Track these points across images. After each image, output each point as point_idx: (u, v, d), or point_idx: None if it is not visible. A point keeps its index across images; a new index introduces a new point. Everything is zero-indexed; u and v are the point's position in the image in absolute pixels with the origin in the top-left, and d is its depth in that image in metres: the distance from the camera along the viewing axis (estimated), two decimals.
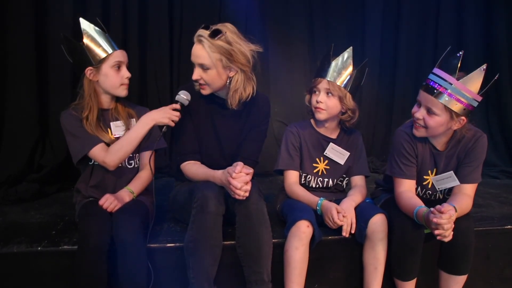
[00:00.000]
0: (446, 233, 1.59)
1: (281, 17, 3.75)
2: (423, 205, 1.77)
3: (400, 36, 3.95)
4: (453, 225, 1.61)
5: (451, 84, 1.74)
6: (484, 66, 1.74)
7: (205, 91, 1.91)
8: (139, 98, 3.29)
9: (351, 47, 2.00)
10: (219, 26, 1.82)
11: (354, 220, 1.86)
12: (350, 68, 1.98)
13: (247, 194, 1.69)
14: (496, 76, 1.77)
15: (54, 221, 2.12)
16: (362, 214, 1.89)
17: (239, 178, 1.67)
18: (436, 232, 1.60)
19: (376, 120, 4.02)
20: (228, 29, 1.83)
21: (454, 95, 1.73)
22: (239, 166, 1.69)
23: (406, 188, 1.92)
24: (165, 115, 1.81)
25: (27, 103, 2.78)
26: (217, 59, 1.81)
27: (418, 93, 1.84)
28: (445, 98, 1.74)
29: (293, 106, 3.81)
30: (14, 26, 2.73)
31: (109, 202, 1.77)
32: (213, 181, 1.80)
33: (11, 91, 2.76)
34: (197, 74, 1.86)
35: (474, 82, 1.74)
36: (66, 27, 2.76)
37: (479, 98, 1.76)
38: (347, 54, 1.99)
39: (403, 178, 1.93)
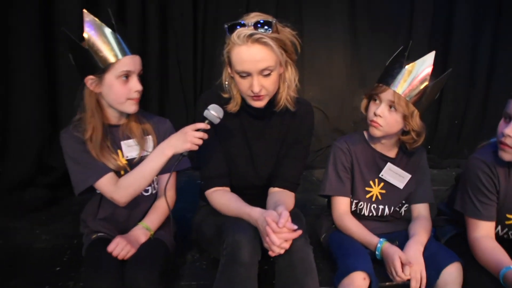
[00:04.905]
0: None
1: None
2: None
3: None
4: None
5: None
6: None
7: (263, 102, 1.50)
8: (160, 94, 2.96)
9: (434, 52, 1.49)
10: (258, 17, 1.41)
11: (424, 274, 1.48)
12: (427, 80, 1.51)
13: (282, 251, 1.34)
14: None
15: (61, 246, 1.86)
16: (434, 260, 1.52)
17: (281, 234, 1.31)
18: None
19: (438, 110, 3.65)
20: (267, 16, 1.42)
21: None
22: (283, 218, 1.31)
23: (484, 233, 1.52)
24: (186, 140, 1.41)
25: (35, 102, 2.58)
26: (279, 55, 1.42)
27: (497, 100, 1.45)
28: None
29: (330, 90, 3.45)
30: (20, 22, 2.49)
31: (120, 248, 1.42)
32: (247, 220, 1.46)
33: (19, 91, 2.56)
34: (258, 84, 1.43)
35: None
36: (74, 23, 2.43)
37: None
38: (428, 60, 1.50)
39: (480, 219, 1.53)
